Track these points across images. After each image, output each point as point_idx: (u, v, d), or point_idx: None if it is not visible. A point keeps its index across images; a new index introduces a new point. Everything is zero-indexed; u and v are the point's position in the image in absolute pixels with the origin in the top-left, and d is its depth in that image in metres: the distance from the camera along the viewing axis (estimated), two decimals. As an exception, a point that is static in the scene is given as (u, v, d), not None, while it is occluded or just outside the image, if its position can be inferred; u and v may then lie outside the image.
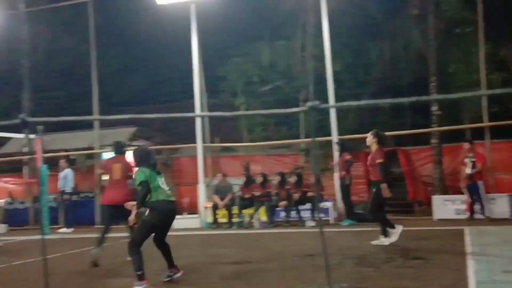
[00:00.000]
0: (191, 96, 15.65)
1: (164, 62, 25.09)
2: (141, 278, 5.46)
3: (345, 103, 2.67)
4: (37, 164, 14.85)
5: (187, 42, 15.69)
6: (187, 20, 15.44)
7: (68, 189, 15.13)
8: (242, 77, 19.74)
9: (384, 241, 8.28)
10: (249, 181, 14.09)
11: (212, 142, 18.29)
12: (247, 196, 13.79)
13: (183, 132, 19.22)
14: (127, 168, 7.95)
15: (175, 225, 13.46)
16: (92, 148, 18.71)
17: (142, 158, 5.93)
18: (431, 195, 13.91)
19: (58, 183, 15.22)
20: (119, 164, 8.03)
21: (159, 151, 19.28)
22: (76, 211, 15.54)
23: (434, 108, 15.37)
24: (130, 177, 7.72)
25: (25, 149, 19.00)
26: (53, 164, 15.82)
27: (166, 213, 5.81)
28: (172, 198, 5.92)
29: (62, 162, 15.49)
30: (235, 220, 13.62)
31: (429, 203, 13.57)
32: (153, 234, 5.87)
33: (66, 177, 15.16)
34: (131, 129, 21.22)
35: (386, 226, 8.37)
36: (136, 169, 5.99)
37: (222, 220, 13.87)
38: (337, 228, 11.69)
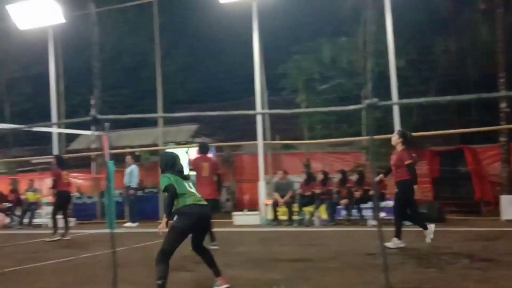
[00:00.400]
0: (252, 93, 15.74)
1: (226, 60, 25.35)
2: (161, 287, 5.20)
3: (405, 101, 2.60)
4: (104, 160, 15.37)
5: (248, 40, 15.79)
6: (248, 18, 15.54)
7: (134, 184, 15.53)
8: (303, 74, 19.68)
9: (397, 243, 8.09)
10: (309, 179, 14.03)
11: (272, 139, 18.34)
12: (307, 193, 13.74)
13: (244, 130, 19.38)
14: (215, 166, 9.09)
15: (236, 221, 13.69)
16: (156, 145, 19.19)
17: (167, 164, 5.75)
18: (499, 195, 13.40)
19: (124, 179, 15.66)
20: (207, 162, 9.01)
21: (220, 148, 19.53)
22: (140, 206, 15.96)
23: (503, 105, 14.77)
24: (217, 174, 9.02)
25: (93, 146, 19.73)
26: (119, 160, 16.31)
27: (196, 217, 5.43)
28: (203, 202, 5.58)
29: (128, 158, 15.91)
30: (295, 217, 13.61)
31: (496, 203, 13.07)
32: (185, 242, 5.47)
33: (132, 173, 15.56)
34: (193, 127, 21.62)
35: (399, 229, 8.24)
36: (163, 175, 5.62)
37: (282, 217, 13.89)
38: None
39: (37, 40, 19.88)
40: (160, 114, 18.64)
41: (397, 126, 13.84)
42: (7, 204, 17.09)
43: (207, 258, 5.57)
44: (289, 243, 9.79)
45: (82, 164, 21.31)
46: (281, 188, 13.98)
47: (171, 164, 5.63)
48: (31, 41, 20.65)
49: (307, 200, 13.66)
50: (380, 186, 12.29)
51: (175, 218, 5.44)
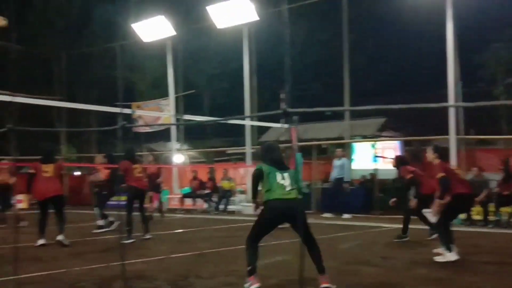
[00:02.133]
0: (444, 85, 14.91)
1: (415, 51, 24.40)
2: (249, 273, 5.24)
3: None
4: (293, 152, 15.80)
5: (439, 28, 14.96)
6: (440, 5, 14.73)
7: (347, 177, 15.20)
8: (503, 65, 18.09)
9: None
10: (508, 177, 12.87)
11: (466, 134, 17.19)
12: (505, 193, 12.63)
13: (435, 124, 18.47)
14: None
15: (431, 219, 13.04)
16: (342, 138, 19.25)
17: (264, 154, 5.77)
18: None
19: (332, 171, 15.48)
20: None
21: (408, 142, 18.88)
22: (346, 199, 15.48)
23: None
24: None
25: (282, 138, 20.51)
26: (305, 152, 16.61)
27: (275, 212, 5.35)
28: (290, 196, 5.38)
29: (339, 151, 15.65)
30: (491, 218, 12.62)
31: None
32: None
33: (343, 166, 15.25)
34: (380, 120, 21.23)
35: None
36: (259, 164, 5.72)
37: (477, 217, 12.98)
38: None
39: (233, 38, 21.27)
40: (346, 107, 18.63)
41: None
42: (205, 191, 18.61)
43: (314, 254, 5.34)
44: (483, 245, 9.11)
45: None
46: (475, 186, 13.04)
47: (267, 153, 5.70)
48: (228, 39, 22.17)
49: (505, 200, 12.56)
50: None
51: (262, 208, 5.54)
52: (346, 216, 14.73)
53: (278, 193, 5.37)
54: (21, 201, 18.01)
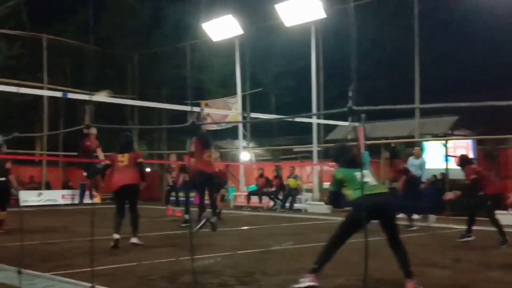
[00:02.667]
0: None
1: (489, 47, 23.42)
2: (312, 271, 5.08)
3: None
4: (360, 151, 15.51)
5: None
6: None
7: (424, 177, 14.63)
8: None
9: None
10: None
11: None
12: None
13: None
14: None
15: (503, 220, 12.58)
16: (412, 137, 18.78)
17: (337, 156, 5.59)
18: None
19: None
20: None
21: (482, 141, 18.17)
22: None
23: None
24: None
25: (350, 136, 20.26)
26: (373, 151, 16.33)
27: (364, 209, 5.04)
28: (377, 190, 5.25)
29: (417, 150, 15.14)
30: None
31: None
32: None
33: (422, 165, 14.65)
34: (452, 118, 20.55)
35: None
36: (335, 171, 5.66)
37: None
38: None
39: (300, 36, 21.23)
40: (416, 105, 18.17)
41: None
42: (271, 189, 18.70)
43: (399, 256, 5.14)
44: None
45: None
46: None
47: (342, 156, 5.54)
48: (295, 37, 22.16)
49: None
50: None
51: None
52: (416, 217, 14.33)
53: (367, 188, 5.25)
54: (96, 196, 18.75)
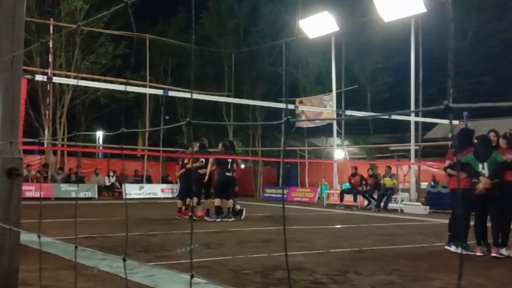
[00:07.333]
0: None
1: None
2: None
3: None
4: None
5: None
6: None
7: None
8: None
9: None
10: None
11: None
12: None
13: None
14: None
15: None
16: (519, 136, 17.65)
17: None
18: None
19: None
20: None
21: None
22: None
23: None
24: None
25: (450, 135, 19.42)
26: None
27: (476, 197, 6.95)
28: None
29: None
30: None
31: None
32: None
33: None
34: None
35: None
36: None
37: None
38: None
39: (398, 31, 20.65)
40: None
41: None
42: (366, 187, 18.37)
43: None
44: None
45: (438, 153, 21.22)
46: None
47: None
48: (393, 32, 21.58)
49: None
50: None
51: None
52: None
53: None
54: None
